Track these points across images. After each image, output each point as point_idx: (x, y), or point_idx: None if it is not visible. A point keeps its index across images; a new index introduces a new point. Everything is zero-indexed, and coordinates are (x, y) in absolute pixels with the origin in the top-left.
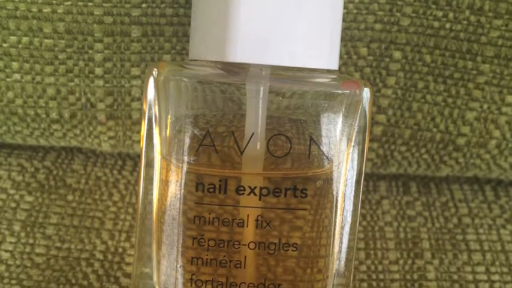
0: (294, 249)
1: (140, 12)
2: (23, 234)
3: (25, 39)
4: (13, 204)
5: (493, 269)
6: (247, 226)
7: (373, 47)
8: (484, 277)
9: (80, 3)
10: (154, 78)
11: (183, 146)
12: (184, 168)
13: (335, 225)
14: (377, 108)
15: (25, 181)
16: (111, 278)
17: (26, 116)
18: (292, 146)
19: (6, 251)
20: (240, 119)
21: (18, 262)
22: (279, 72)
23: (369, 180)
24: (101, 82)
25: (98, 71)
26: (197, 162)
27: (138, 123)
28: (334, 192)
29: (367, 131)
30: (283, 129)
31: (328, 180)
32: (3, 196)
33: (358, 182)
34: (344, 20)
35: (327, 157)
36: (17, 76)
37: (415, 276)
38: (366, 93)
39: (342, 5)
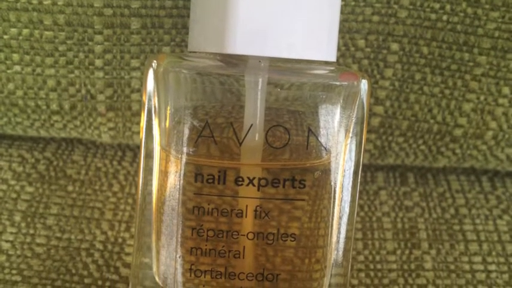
0: (293, 239)
1: (140, 4)
2: (23, 224)
3: (25, 31)
4: (14, 195)
5: (489, 259)
6: (246, 216)
7: (370, 39)
8: (481, 267)
9: None
10: (153, 69)
11: (182, 137)
12: (184, 159)
13: (333, 215)
14: (375, 100)
15: (26, 172)
16: (111, 268)
17: (26, 108)
18: (291, 137)
19: (6, 241)
20: (239, 110)
21: (18, 252)
22: (277, 64)
23: (367, 171)
24: (100, 74)
25: (98, 62)
26: (196, 153)
27: (138, 114)
28: (332, 183)
29: (364, 122)
30: (282, 120)
31: (326, 171)
32: (4, 187)
33: (356, 172)
34: (342, 12)
35: (325, 148)
36: (17, 68)
37: (412, 266)
38: (364, 84)
39: None
